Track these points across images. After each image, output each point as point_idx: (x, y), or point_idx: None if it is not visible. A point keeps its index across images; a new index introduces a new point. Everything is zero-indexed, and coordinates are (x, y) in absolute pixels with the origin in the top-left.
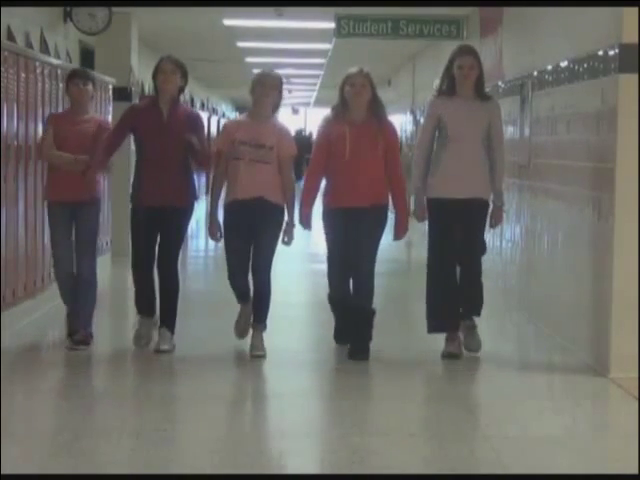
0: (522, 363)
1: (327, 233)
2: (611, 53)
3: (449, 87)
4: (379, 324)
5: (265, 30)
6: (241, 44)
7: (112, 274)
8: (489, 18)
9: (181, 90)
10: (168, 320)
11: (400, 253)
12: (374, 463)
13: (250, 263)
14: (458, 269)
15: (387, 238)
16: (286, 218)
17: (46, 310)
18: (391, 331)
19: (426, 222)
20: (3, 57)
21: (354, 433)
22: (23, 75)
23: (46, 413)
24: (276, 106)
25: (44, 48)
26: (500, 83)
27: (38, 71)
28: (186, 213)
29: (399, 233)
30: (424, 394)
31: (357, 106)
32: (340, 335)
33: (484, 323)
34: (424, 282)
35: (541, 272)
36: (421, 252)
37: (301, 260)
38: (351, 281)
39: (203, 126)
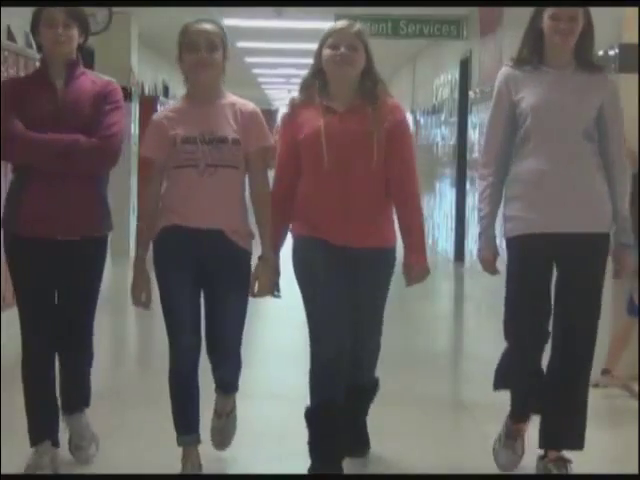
0: None
1: (303, 286)
2: (611, 53)
3: (533, 52)
4: None
5: (265, 30)
6: (241, 44)
7: (112, 273)
8: (489, 18)
9: (79, 49)
10: (77, 400)
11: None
12: (374, 463)
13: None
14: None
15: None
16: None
17: None
18: (390, 329)
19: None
20: (3, 57)
21: None
22: (23, 75)
23: None
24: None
25: None
26: None
27: None
28: (100, 247)
29: (414, 269)
30: (424, 394)
31: (342, 83)
32: (320, 460)
33: (484, 324)
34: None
35: None
36: None
37: None
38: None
39: (118, 105)
